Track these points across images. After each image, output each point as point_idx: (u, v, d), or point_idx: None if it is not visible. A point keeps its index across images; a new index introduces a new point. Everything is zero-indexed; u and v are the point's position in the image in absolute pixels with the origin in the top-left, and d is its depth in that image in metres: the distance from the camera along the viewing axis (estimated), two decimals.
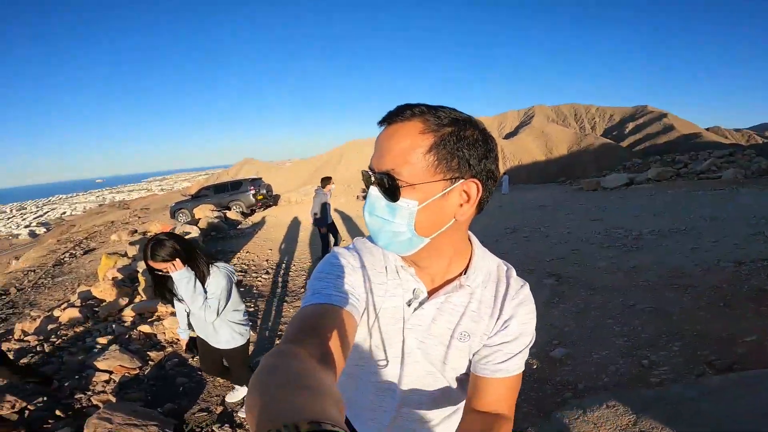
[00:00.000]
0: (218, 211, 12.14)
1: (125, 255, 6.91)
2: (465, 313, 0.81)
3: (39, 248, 14.03)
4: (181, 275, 2.14)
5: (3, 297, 7.27)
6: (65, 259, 10.72)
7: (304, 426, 0.31)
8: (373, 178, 0.72)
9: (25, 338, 4.00)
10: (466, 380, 0.86)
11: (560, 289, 4.86)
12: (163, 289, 2.30)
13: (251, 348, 3.54)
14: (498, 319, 0.80)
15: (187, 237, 4.44)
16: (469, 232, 0.83)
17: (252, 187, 13.94)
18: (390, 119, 0.70)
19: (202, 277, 2.25)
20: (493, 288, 0.82)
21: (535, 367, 3.31)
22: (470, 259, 0.81)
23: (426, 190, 0.68)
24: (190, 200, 14.50)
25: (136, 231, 12.45)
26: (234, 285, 2.42)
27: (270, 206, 14.59)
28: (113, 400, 2.94)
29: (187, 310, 2.48)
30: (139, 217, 18.73)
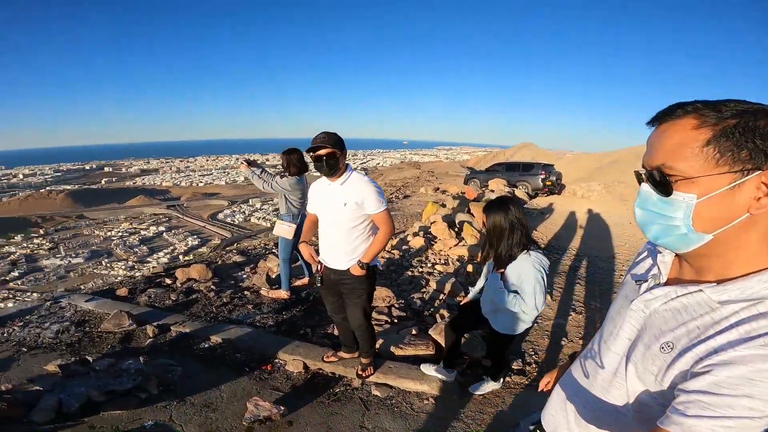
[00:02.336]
0: (509, 187, 13.65)
1: (444, 205, 9.28)
2: (685, 325, 0.72)
3: None
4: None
5: None
6: (392, 199, 14.87)
7: None
8: (644, 176, 0.73)
9: (391, 251, 6.44)
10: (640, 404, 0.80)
11: None
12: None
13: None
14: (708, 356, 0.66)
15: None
16: None
17: (543, 172, 14.41)
18: (659, 119, 0.71)
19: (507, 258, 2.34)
20: (750, 316, 0.65)
21: None
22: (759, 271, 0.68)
23: (707, 184, 0.66)
24: (483, 172, 16.52)
25: (437, 189, 15.51)
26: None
27: (554, 194, 14.75)
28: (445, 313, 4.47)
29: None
30: (428, 180, 22.40)
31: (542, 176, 14.30)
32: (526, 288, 2.22)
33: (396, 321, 3.75)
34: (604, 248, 7.41)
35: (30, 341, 3.39)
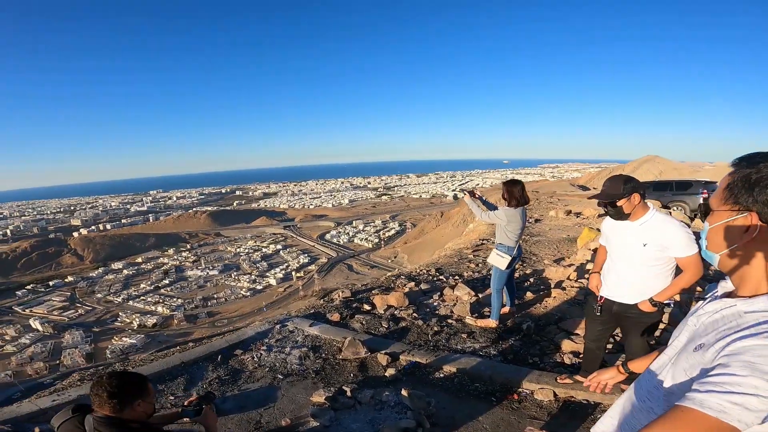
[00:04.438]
0: (663, 209, 12.09)
1: (599, 230, 8.48)
2: (716, 330, 0.88)
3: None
4: None
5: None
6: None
7: None
8: None
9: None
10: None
11: None
12: None
13: None
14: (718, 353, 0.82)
15: None
16: None
17: (704, 191, 12.63)
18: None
19: None
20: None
21: None
22: None
23: (717, 216, 0.93)
24: None
25: (570, 212, 14.37)
26: None
27: None
28: None
29: None
30: (550, 201, 20.94)
31: (704, 195, 12.43)
32: None
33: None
34: None
35: (280, 367, 3.54)
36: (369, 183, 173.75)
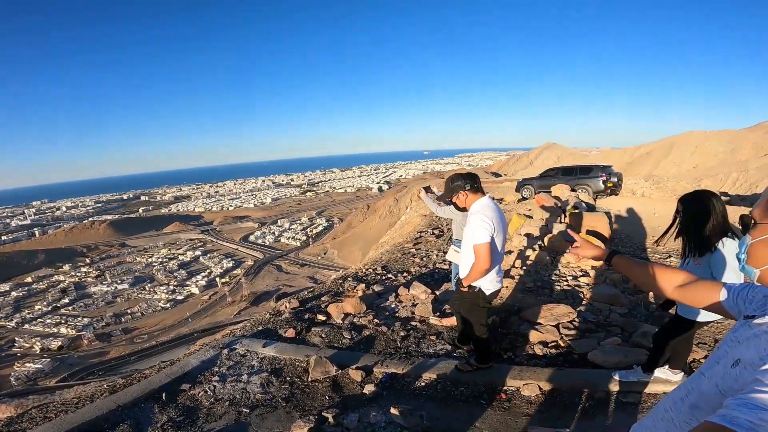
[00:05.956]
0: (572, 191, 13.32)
1: (531, 217, 9.03)
2: (756, 347, 0.83)
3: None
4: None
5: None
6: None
7: None
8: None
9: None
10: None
11: None
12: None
13: None
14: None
15: None
16: None
17: (603, 174, 14.19)
18: None
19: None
20: None
21: None
22: None
23: (761, 230, 0.90)
24: (537, 179, 16.24)
25: (493, 198, 15.27)
26: None
27: (615, 195, 14.57)
28: None
29: None
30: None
31: (603, 178, 14.05)
32: (722, 275, 2.29)
33: (587, 334, 3.74)
34: None
35: (242, 399, 3.14)
36: (292, 180, 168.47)
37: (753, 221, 0.93)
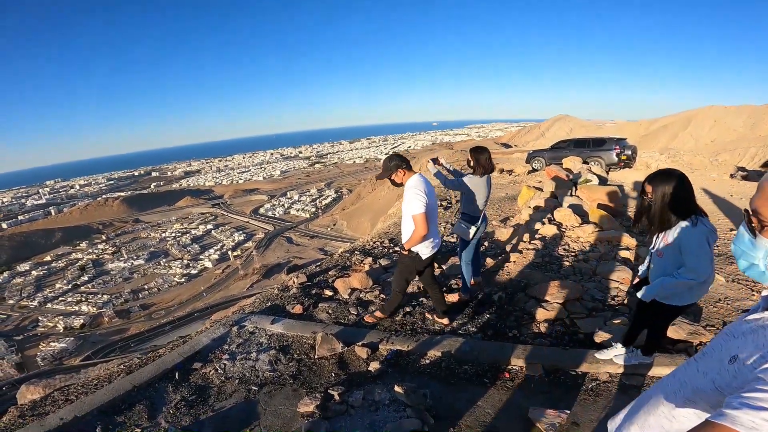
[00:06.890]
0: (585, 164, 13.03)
1: (541, 189, 8.87)
2: (755, 343, 0.82)
3: None
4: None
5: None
6: None
7: None
8: (743, 215, 0.87)
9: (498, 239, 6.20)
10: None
11: None
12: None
13: None
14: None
15: None
16: None
17: (617, 147, 13.85)
18: None
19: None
20: None
21: None
22: None
23: None
24: (548, 151, 15.88)
25: (503, 170, 14.86)
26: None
27: (629, 168, 14.21)
28: None
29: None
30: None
31: (617, 151, 13.67)
32: (691, 255, 2.25)
33: (593, 313, 3.69)
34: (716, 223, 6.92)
35: (251, 377, 3.20)
36: (300, 152, 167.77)
37: (761, 223, 0.81)
